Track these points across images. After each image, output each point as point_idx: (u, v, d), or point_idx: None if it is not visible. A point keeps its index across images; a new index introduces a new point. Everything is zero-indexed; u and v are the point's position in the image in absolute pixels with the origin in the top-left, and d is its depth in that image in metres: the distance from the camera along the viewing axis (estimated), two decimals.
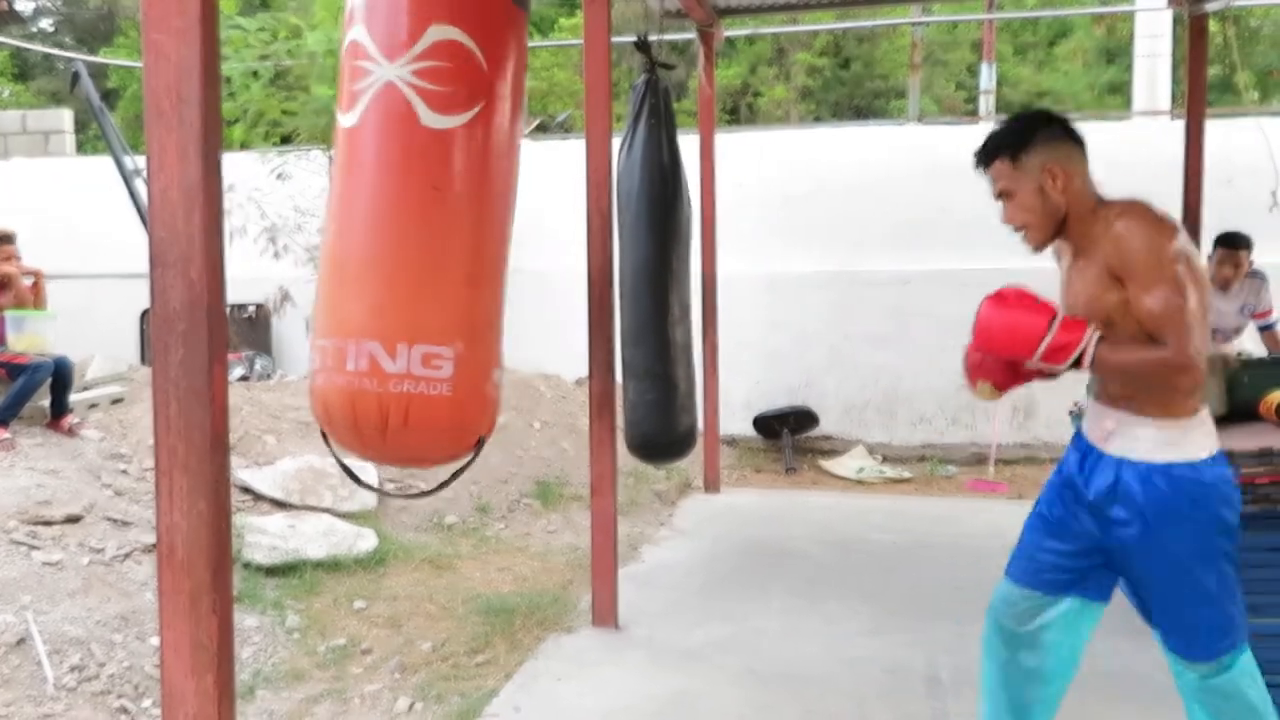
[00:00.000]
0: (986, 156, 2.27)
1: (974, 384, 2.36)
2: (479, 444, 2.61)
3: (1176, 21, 9.76)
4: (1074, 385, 5.14)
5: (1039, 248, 2.31)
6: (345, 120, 2.52)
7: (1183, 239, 2.11)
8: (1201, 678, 2.24)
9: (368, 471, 5.45)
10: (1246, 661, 2.24)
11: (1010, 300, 2.14)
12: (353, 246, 2.47)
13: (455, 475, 2.75)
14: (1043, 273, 7.36)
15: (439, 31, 2.42)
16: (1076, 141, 2.25)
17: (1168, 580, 2.20)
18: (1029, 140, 2.22)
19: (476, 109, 2.46)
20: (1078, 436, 2.37)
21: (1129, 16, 11.60)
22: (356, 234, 2.47)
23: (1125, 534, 2.20)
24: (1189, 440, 2.17)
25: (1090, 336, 2.08)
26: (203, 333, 1.74)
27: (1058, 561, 2.32)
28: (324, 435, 2.74)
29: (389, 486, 5.34)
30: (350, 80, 2.51)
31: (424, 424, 2.40)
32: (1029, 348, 2.10)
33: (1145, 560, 2.20)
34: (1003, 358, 2.22)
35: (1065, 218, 2.23)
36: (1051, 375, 2.26)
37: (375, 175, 2.46)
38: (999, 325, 2.14)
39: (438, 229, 2.43)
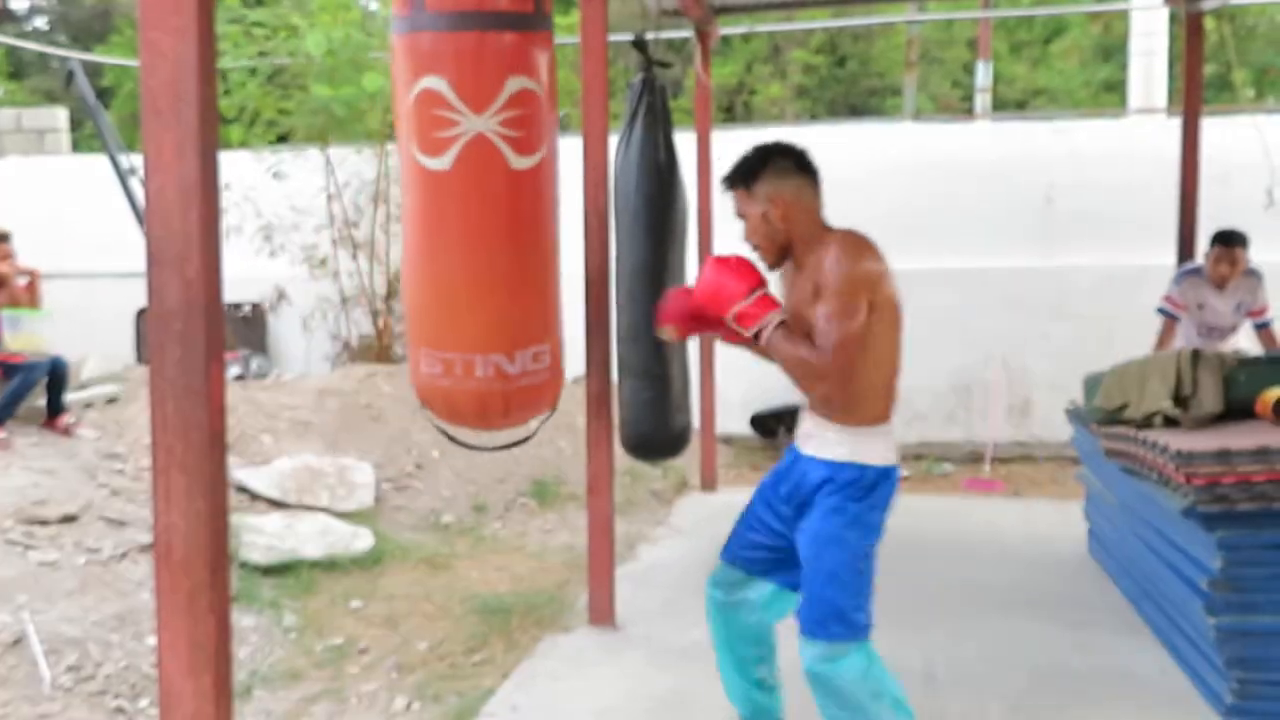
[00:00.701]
0: (727, 183, 2.56)
1: (661, 325, 2.69)
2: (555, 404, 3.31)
3: (1173, 19, 9.77)
4: (1071, 384, 5.15)
5: (771, 266, 2.56)
6: (433, 164, 2.84)
7: (876, 266, 2.38)
8: (825, 661, 2.41)
9: (365, 472, 5.46)
10: (862, 665, 2.41)
11: (731, 264, 2.41)
12: (461, 274, 2.89)
13: (541, 424, 3.43)
14: (1036, 272, 7.30)
15: (516, 83, 2.78)
16: (808, 173, 2.53)
17: (808, 557, 2.46)
18: (760, 171, 2.50)
19: (546, 146, 2.88)
20: (792, 444, 2.67)
21: (1125, 14, 11.62)
22: (463, 263, 2.89)
23: (802, 516, 2.51)
24: (864, 446, 2.47)
25: (772, 317, 2.35)
26: (199, 331, 1.74)
27: (755, 550, 2.67)
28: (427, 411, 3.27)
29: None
30: (433, 127, 2.80)
31: (535, 403, 3.05)
32: (726, 307, 2.39)
33: (806, 539, 2.48)
34: (706, 310, 2.47)
35: (792, 241, 2.49)
36: (746, 341, 2.56)
37: (474, 213, 2.83)
38: (712, 280, 2.41)
39: (527, 252, 2.90)
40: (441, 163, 2.81)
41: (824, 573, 2.43)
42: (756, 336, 2.36)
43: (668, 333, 2.69)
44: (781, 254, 2.53)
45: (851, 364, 2.32)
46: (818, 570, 2.44)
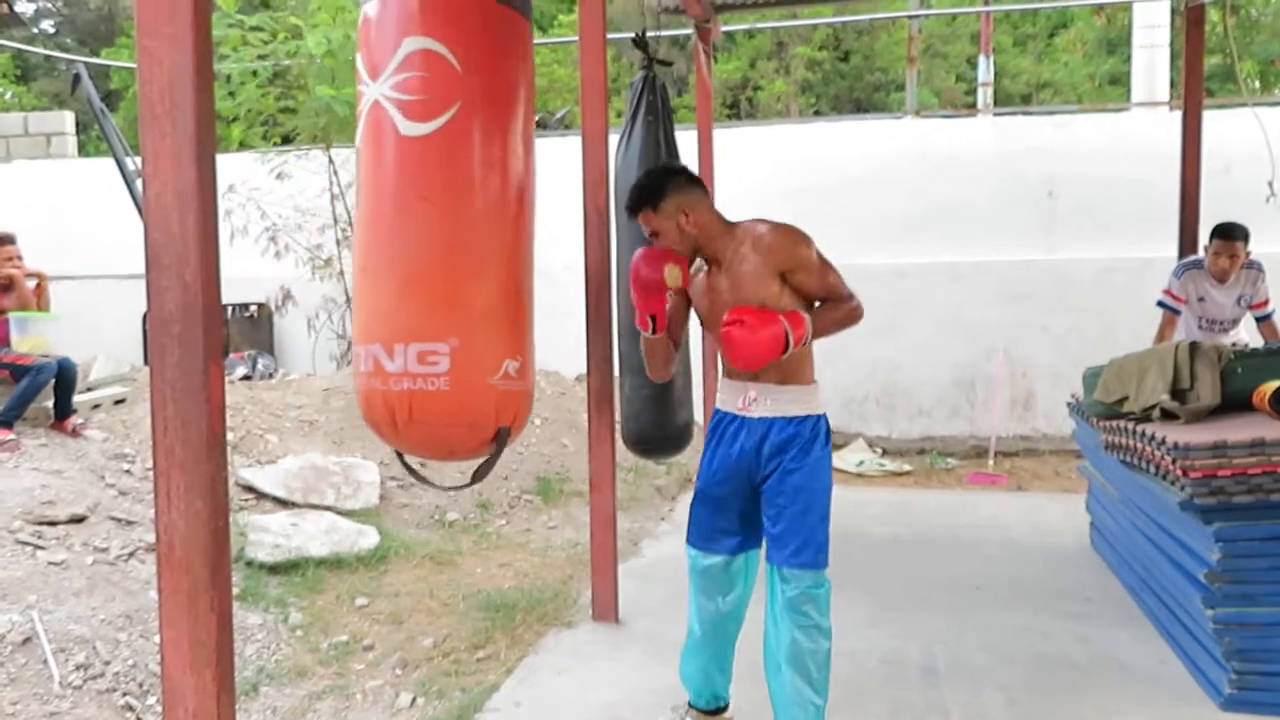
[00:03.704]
0: (635, 206, 2.81)
1: (663, 273, 2.81)
2: (499, 435, 2.72)
3: (1175, 12, 9.75)
4: (1073, 378, 5.16)
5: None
6: (356, 139, 2.69)
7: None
8: (809, 587, 2.73)
9: (370, 470, 5.50)
10: (828, 591, 2.77)
11: (752, 321, 2.65)
12: (358, 257, 2.63)
13: (482, 469, 2.84)
14: (1038, 265, 7.33)
15: (413, 43, 2.50)
16: (698, 184, 2.86)
17: (793, 503, 2.75)
18: (663, 192, 2.79)
19: (451, 112, 2.52)
20: (717, 413, 2.94)
21: (1128, 7, 11.58)
22: (359, 245, 2.63)
23: (773, 472, 2.78)
24: (813, 401, 2.84)
25: (808, 325, 2.71)
26: (198, 334, 1.77)
27: (726, 528, 2.91)
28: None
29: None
30: (357, 102, 2.68)
31: (428, 418, 2.54)
32: (782, 350, 2.67)
33: (783, 490, 2.76)
34: (760, 360, 2.70)
35: (702, 242, 2.82)
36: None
37: (367, 189, 2.59)
38: (758, 344, 2.65)
39: (426, 233, 2.50)
40: (357, 136, 2.65)
41: (813, 513, 2.75)
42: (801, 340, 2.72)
43: (674, 276, 2.82)
44: (693, 256, 2.85)
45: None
46: (808, 511, 2.75)
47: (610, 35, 4.07)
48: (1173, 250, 5.78)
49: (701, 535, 2.95)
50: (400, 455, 2.86)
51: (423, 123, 2.49)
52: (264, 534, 4.62)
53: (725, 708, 3.11)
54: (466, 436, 2.63)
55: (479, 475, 2.88)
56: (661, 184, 2.81)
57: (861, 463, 7.09)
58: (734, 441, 2.85)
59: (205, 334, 1.77)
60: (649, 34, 4.53)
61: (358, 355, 2.55)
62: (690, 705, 3.12)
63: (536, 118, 10.24)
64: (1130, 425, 3.61)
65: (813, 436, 2.79)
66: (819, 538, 2.76)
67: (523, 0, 2.75)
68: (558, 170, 6.61)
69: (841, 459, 7.20)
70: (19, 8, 19.36)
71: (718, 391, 2.96)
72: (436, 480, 2.86)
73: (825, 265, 2.80)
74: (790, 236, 2.77)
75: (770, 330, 2.65)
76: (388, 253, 2.53)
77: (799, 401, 2.80)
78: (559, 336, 6.31)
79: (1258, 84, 14.20)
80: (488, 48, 2.60)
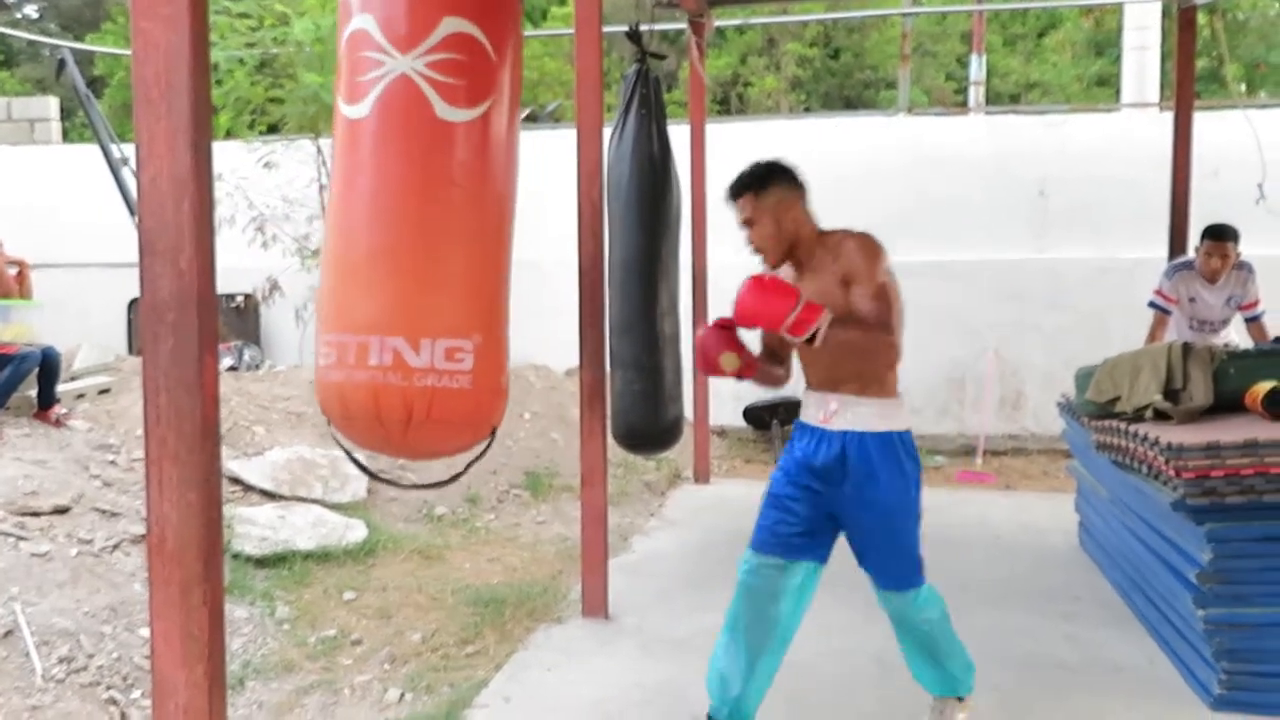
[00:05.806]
0: (738, 190, 2.80)
1: (718, 360, 2.77)
2: (493, 432, 2.68)
3: (1165, 14, 9.78)
4: (1064, 377, 5.17)
5: (774, 266, 2.84)
6: (351, 111, 2.46)
7: (889, 262, 2.73)
8: (910, 604, 2.81)
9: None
10: (930, 591, 2.84)
11: (766, 283, 2.56)
12: (369, 241, 2.43)
13: (471, 464, 2.82)
14: (1029, 265, 7.31)
15: (452, 24, 2.41)
16: (802, 187, 2.84)
17: (881, 525, 2.74)
18: (769, 182, 2.77)
19: (488, 103, 2.46)
20: (799, 426, 2.88)
21: (1118, 8, 11.62)
22: (372, 228, 2.44)
23: (850, 490, 2.72)
24: (897, 415, 2.77)
25: (825, 318, 2.54)
26: (192, 322, 1.73)
27: (792, 531, 2.77)
28: (330, 427, 2.68)
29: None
30: (356, 71, 2.46)
31: (446, 417, 2.42)
32: (778, 321, 2.52)
33: (865, 510, 2.72)
34: (756, 325, 2.62)
35: (795, 244, 2.78)
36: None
37: (390, 168, 2.41)
38: (757, 301, 2.54)
39: (456, 222, 2.41)
40: (360, 109, 2.43)
41: (903, 533, 2.75)
42: (811, 339, 2.53)
43: (730, 362, 2.78)
44: (785, 256, 2.80)
45: (900, 334, 2.68)
46: (898, 532, 2.75)
47: (604, 29, 4.03)
48: (1164, 251, 5.80)
49: (761, 536, 2.82)
50: (341, 443, 2.67)
51: (463, 109, 2.40)
52: (251, 526, 4.58)
53: None
54: (471, 438, 2.55)
55: (457, 477, 2.88)
56: (770, 173, 2.80)
57: None
58: (814, 454, 2.76)
59: (200, 322, 1.74)
60: (642, 27, 4.51)
61: (365, 347, 2.35)
62: (709, 716, 2.86)
63: (527, 111, 10.19)
64: (1123, 425, 3.62)
65: (893, 453, 2.70)
66: (908, 559, 2.78)
67: None
68: (549, 164, 6.57)
69: None
70: None
71: (802, 405, 2.88)
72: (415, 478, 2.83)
73: (883, 290, 2.66)
74: (862, 247, 2.70)
75: (781, 298, 2.52)
76: (413, 238, 2.38)
77: (880, 416, 2.73)
78: (549, 331, 6.29)
79: (1243, 86, 14.28)
80: (510, 39, 2.56)
